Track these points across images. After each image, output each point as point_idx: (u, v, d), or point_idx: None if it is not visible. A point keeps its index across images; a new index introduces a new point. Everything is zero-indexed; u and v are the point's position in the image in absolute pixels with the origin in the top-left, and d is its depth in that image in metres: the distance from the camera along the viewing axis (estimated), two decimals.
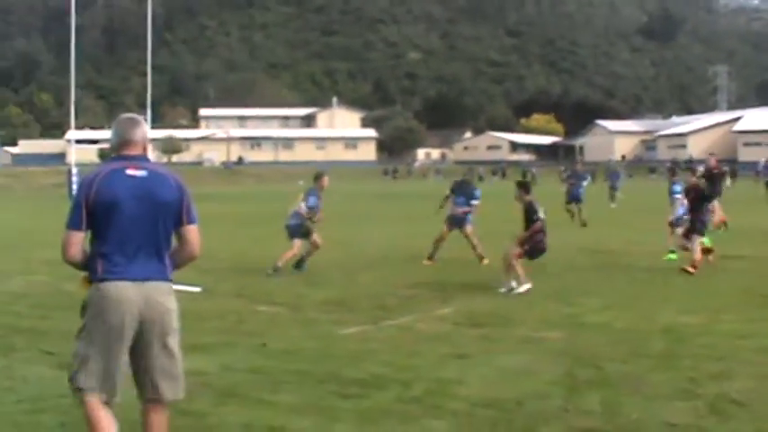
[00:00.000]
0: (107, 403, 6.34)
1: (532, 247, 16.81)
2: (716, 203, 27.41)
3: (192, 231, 6.62)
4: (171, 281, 6.51)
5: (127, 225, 6.24)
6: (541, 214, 16.95)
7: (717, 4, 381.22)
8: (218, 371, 10.17)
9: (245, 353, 11.19)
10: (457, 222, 22.04)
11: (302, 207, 19.73)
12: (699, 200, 20.18)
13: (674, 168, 25.70)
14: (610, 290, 17.00)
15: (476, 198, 22.33)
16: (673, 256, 21.49)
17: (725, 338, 12.04)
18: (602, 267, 20.29)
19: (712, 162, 31.32)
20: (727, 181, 28.33)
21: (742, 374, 9.99)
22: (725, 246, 23.31)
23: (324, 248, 20.70)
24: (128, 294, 6.19)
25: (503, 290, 16.43)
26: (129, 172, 6.29)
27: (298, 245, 19.89)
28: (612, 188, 51.14)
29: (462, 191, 22.54)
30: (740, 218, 32.41)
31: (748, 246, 24.69)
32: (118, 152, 6.47)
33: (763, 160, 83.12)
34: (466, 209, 21.89)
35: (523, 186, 17.52)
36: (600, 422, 8.16)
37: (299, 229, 19.97)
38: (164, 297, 6.35)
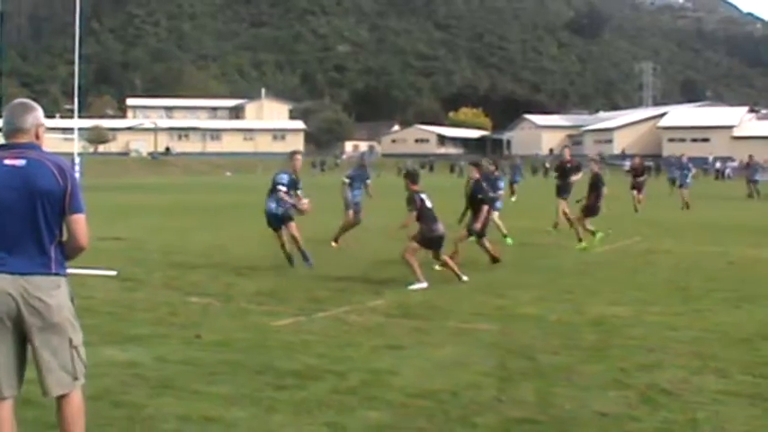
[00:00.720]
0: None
1: (422, 237, 16.83)
2: (563, 202, 27.73)
3: (77, 221, 6.25)
4: (58, 274, 6.25)
5: (3, 217, 6.05)
6: (428, 203, 17.00)
7: (642, 1, 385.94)
8: (152, 362, 10.09)
9: (179, 344, 11.09)
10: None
11: (281, 190, 18.94)
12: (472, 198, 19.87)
13: (495, 162, 25.85)
14: (540, 283, 17.11)
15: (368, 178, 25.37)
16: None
17: (654, 330, 12.23)
18: (531, 261, 20.43)
19: (566, 155, 31.36)
20: (579, 175, 28.44)
21: (672, 365, 10.16)
22: (651, 241, 23.68)
23: (254, 239, 20.68)
24: (5, 287, 6.02)
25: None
26: (7, 162, 6.07)
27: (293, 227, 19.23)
28: (512, 182, 51.46)
29: (360, 179, 24.89)
30: (666, 213, 32.83)
31: (672, 241, 25.03)
32: (8, 140, 6.23)
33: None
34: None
35: (409, 176, 17.50)
36: (533, 412, 8.23)
37: (280, 219, 19.17)
38: (42, 292, 6.11)
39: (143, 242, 24.37)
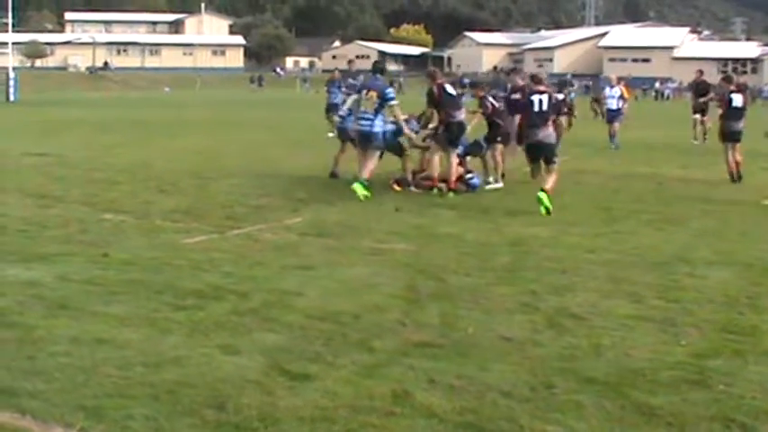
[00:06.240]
0: None
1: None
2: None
3: None
4: None
5: None
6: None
7: None
8: (54, 281, 9.77)
9: (84, 263, 10.78)
10: None
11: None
12: None
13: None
14: (461, 202, 16.88)
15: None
16: None
17: (571, 252, 12.06)
18: None
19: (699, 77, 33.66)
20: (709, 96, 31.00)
21: (584, 288, 9.97)
22: (580, 161, 23.55)
23: (182, 156, 20.33)
24: None
25: None
26: None
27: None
28: None
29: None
30: (600, 133, 32.73)
31: (602, 161, 24.94)
32: None
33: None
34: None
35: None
36: (435, 336, 7.98)
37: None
38: None
39: (68, 158, 23.89)
